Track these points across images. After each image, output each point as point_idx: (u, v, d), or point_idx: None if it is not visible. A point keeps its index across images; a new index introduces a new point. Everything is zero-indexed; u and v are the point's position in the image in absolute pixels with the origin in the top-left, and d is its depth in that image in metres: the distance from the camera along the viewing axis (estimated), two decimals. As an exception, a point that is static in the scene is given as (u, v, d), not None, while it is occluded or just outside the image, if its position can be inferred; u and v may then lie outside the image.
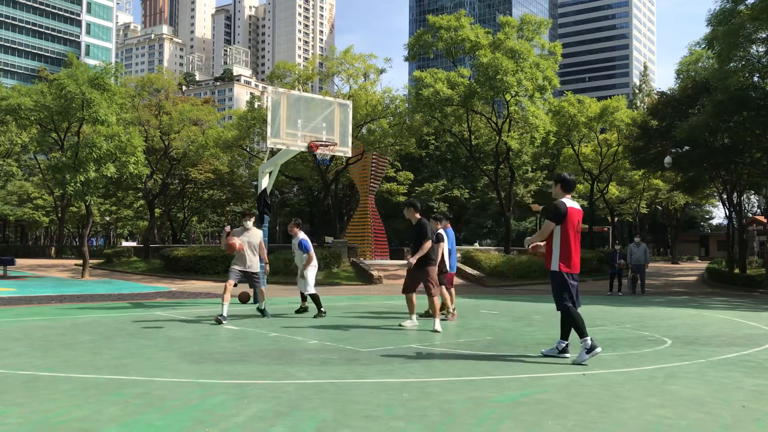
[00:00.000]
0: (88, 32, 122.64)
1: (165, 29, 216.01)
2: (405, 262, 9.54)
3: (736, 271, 29.75)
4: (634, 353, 7.30)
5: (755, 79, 24.86)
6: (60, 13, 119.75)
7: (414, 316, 9.60)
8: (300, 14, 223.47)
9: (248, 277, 10.14)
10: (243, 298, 13.69)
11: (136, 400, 4.63)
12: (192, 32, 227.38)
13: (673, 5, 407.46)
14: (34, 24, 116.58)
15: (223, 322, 9.47)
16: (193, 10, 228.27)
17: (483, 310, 12.92)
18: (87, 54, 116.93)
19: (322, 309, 10.80)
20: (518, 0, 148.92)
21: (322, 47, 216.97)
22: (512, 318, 11.31)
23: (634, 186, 44.86)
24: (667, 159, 26.64)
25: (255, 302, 13.64)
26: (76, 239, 65.13)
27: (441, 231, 10.57)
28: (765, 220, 41.55)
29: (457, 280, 25.01)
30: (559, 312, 6.70)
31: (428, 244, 9.17)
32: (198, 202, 51.16)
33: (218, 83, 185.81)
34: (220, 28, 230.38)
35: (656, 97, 39.36)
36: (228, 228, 10.14)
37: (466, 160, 47.01)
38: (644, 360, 6.85)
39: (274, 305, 12.56)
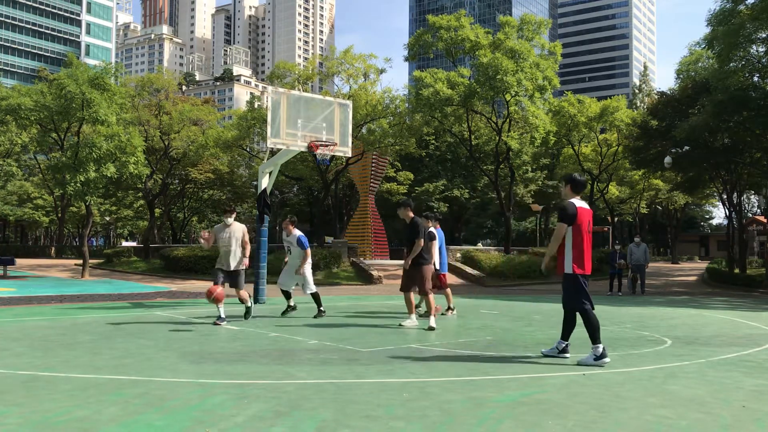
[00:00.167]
0: (88, 32, 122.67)
1: (165, 29, 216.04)
2: (404, 262, 9.56)
3: (736, 271, 29.75)
4: (634, 353, 7.30)
5: (755, 79, 24.86)
6: (60, 13, 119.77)
7: (413, 316, 9.61)
8: (300, 14, 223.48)
9: (231, 277, 9.71)
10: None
11: (136, 400, 4.63)
12: (192, 32, 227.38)
13: (673, 5, 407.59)
14: (34, 24, 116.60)
15: (222, 324, 9.43)
16: (193, 10, 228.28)
17: (483, 310, 12.92)
18: (87, 54, 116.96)
19: (322, 308, 10.73)
20: (518, 0, 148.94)
21: (322, 47, 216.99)
22: (512, 318, 11.32)
23: (634, 186, 44.87)
24: (667, 159, 26.63)
25: (255, 302, 13.64)
26: (76, 239, 65.13)
27: (432, 229, 10.59)
28: (765, 220, 41.55)
29: (457, 280, 25.04)
30: (563, 313, 6.68)
31: (420, 243, 9.24)
32: (198, 202, 51.16)
33: (218, 83, 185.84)
34: (220, 28, 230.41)
35: (656, 97, 39.36)
36: (205, 233, 9.85)
37: (466, 160, 47.02)
38: (644, 360, 6.84)
39: (275, 305, 12.55)
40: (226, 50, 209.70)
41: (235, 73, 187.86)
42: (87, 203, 24.20)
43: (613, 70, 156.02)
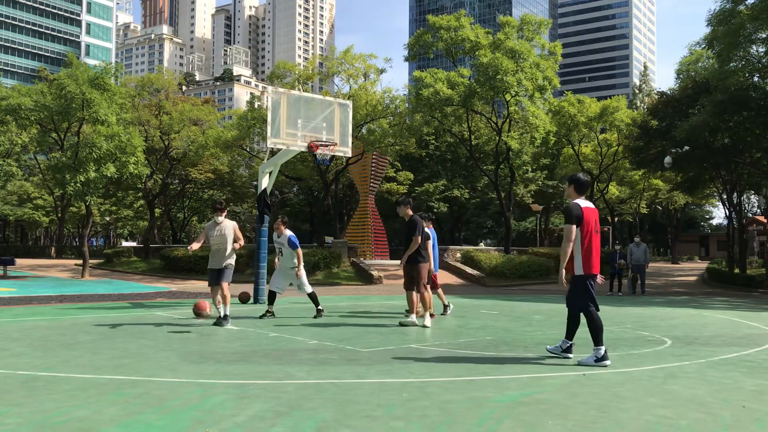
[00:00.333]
0: (88, 32, 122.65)
1: (165, 29, 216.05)
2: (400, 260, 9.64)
3: (736, 271, 29.74)
4: (634, 353, 7.30)
5: (755, 79, 24.86)
6: (60, 13, 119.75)
7: (413, 314, 9.63)
8: (300, 14, 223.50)
9: (220, 272, 9.51)
10: (243, 298, 13.67)
11: (135, 400, 4.63)
12: (192, 32, 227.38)
13: (673, 5, 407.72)
14: (34, 24, 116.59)
15: (225, 325, 9.43)
16: (193, 10, 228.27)
17: (483, 310, 12.92)
18: (87, 54, 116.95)
19: (320, 308, 10.72)
20: (518, 0, 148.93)
21: (322, 47, 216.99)
22: (512, 318, 11.31)
23: (634, 186, 44.85)
24: (667, 159, 26.62)
25: (255, 302, 13.65)
26: (76, 239, 65.15)
27: (426, 230, 10.62)
28: (765, 220, 41.53)
29: (457, 280, 25.05)
30: (567, 313, 6.68)
31: (417, 240, 9.37)
32: (198, 202, 51.15)
33: (218, 83, 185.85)
34: (220, 28, 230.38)
35: (656, 97, 39.36)
36: (193, 246, 9.78)
37: (466, 160, 46.98)
38: (644, 360, 6.84)
39: (275, 306, 12.51)
40: (226, 50, 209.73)
41: (235, 73, 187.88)
42: (87, 203, 24.21)
43: (613, 70, 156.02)
